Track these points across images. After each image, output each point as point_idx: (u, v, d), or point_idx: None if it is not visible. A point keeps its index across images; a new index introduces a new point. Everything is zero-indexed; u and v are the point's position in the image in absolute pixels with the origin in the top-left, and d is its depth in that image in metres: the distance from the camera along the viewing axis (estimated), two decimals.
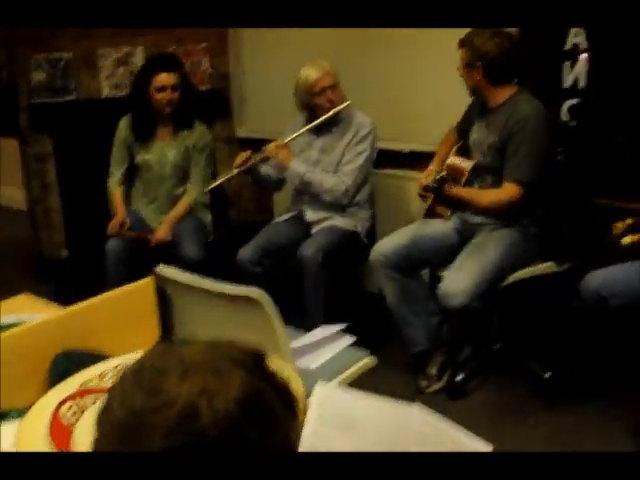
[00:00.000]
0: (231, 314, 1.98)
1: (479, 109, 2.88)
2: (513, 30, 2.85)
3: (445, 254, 2.88)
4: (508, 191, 2.69)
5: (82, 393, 1.25)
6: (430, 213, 2.92)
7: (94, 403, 1.21)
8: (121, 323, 1.60)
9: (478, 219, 2.87)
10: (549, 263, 2.87)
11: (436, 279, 2.90)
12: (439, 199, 2.94)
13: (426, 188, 2.78)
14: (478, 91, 2.80)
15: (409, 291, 2.90)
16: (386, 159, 3.51)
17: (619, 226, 2.45)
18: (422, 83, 3.47)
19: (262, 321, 1.88)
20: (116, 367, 1.31)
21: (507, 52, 2.71)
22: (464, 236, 2.91)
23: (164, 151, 3.44)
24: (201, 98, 4.21)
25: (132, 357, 1.22)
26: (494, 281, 2.71)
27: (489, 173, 2.82)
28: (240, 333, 1.95)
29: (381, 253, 2.89)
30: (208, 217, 3.55)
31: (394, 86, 3.62)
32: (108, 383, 1.23)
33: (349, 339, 2.27)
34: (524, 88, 2.82)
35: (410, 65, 3.52)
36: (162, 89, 3.29)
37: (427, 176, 2.81)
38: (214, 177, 3.47)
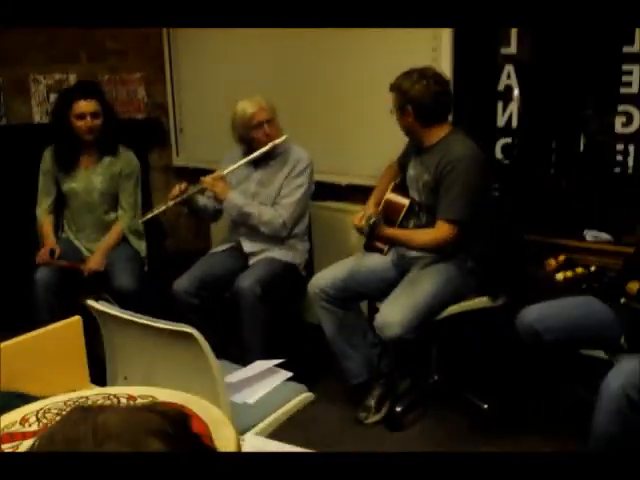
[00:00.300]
0: (165, 350, 1.93)
1: (415, 147, 2.90)
2: (445, 72, 2.91)
3: (383, 287, 2.89)
4: (442, 230, 2.70)
5: (2, 438, 1.18)
6: (368, 247, 2.92)
7: (15, 449, 1.14)
8: (48, 363, 1.54)
9: (414, 253, 2.89)
10: (484, 298, 2.90)
11: (375, 311, 2.90)
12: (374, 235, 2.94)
13: (359, 230, 2.77)
14: (412, 132, 2.83)
15: (347, 324, 2.92)
16: (325, 192, 3.53)
17: (552, 263, 2.51)
18: (360, 118, 3.50)
19: (196, 356, 1.84)
20: (40, 410, 1.25)
21: (436, 94, 2.73)
22: (402, 269, 2.93)
23: (90, 178, 3.38)
24: (137, 127, 4.18)
25: (59, 399, 1.17)
26: (429, 314, 2.72)
27: (424, 211, 2.84)
28: (174, 368, 1.93)
29: (319, 286, 2.89)
30: (143, 246, 3.48)
31: (333, 120, 3.66)
32: (31, 428, 1.16)
33: (286, 374, 2.25)
34: (458, 128, 2.85)
35: (349, 99, 3.56)
36: (81, 116, 3.26)
37: (360, 219, 2.76)
38: (145, 203, 3.42)
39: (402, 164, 3.04)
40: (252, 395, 2.15)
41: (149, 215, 3.11)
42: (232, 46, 4.02)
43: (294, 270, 3.25)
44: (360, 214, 2.80)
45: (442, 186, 2.72)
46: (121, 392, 1.15)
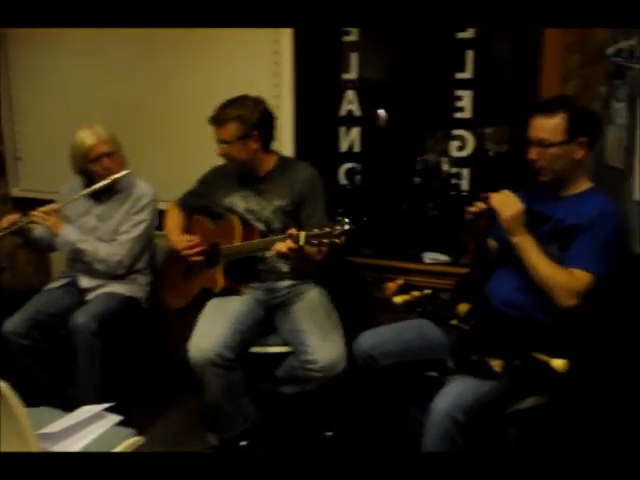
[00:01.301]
0: None
1: (234, 180, 2.84)
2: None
3: (257, 330, 2.76)
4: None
5: None
6: (226, 291, 2.80)
7: None
8: None
9: (287, 283, 2.82)
10: None
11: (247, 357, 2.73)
12: (231, 276, 2.81)
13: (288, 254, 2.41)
14: (251, 162, 2.75)
15: (232, 384, 2.65)
16: None
17: (391, 286, 2.51)
18: (207, 145, 3.43)
19: (5, 409, 1.67)
20: None
21: (273, 119, 2.75)
22: (271, 305, 2.82)
23: None
24: None
25: None
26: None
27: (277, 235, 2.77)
28: None
29: (209, 350, 2.55)
30: None
31: (179, 148, 3.59)
32: None
33: (114, 418, 2.13)
34: (281, 153, 2.89)
35: (194, 127, 3.48)
36: None
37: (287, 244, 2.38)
38: None
39: (188, 204, 3.01)
40: (76, 443, 2.01)
41: None
42: (70, 71, 3.87)
43: (135, 304, 3.10)
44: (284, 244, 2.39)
45: (306, 205, 2.70)
46: None
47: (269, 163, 2.79)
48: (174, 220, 3.02)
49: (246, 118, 2.67)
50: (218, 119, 2.69)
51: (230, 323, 2.66)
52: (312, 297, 2.80)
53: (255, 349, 2.75)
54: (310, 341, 2.59)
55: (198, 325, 2.68)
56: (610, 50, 2.40)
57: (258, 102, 2.72)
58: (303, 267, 2.71)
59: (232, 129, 2.67)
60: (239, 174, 2.83)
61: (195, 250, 2.87)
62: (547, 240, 2.15)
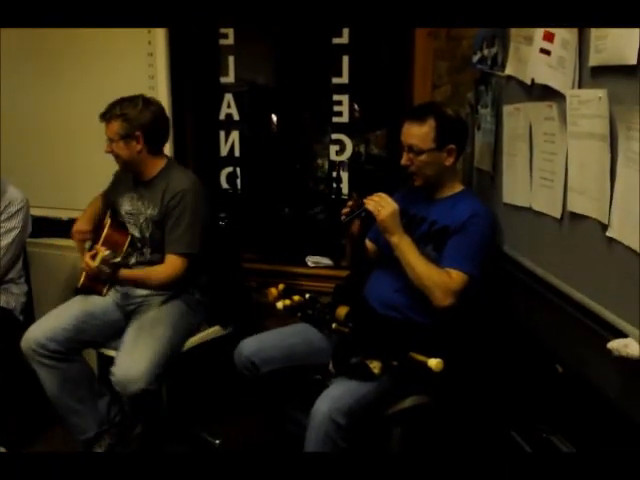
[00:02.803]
0: None
1: (129, 181, 2.78)
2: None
3: (108, 332, 2.71)
4: (173, 265, 2.61)
5: None
6: (84, 290, 2.74)
7: None
8: None
9: (141, 292, 2.75)
10: (215, 327, 2.86)
11: (103, 358, 2.73)
12: (91, 275, 2.72)
13: (96, 275, 2.57)
14: (134, 163, 2.68)
15: (71, 378, 2.63)
16: (44, 227, 3.28)
17: (273, 291, 2.51)
18: (77, 147, 3.34)
19: None
20: None
21: (163, 121, 2.70)
22: (127, 310, 2.77)
23: None
24: None
25: None
26: (168, 358, 2.58)
27: (148, 246, 2.73)
28: None
29: (36, 341, 2.58)
30: None
31: (49, 151, 3.44)
32: None
33: None
34: (173, 159, 2.83)
35: (64, 129, 3.38)
36: None
37: (94, 258, 2.49)
38: None
39: (108, 198, 2.91)
40: None
41: None
42: None
43: (9, 315, 2.96)
44: (89, 254, 2.53)
45: (169, 220, 2.63)
46: None
47: (155, 168, 2.72)
48: (90, 206, 2.93)
49: (131, 117, 2.60)
50: (104, 115, 2.63)
51: (68, 318, 2.65)
52: (152, 309, 2.73)
53: (104, 351, 2.74)
54: (120, 352, 2.55)
55: (40, 318, 2.70)
56: (475, 57, 2.50)
57: (150, 103, 2.66)
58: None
59: (116, 127, 2.61)
60: (130, 175, 2.77)
61: (77, 236, 2.80)
62: (422, 241, 2.23)
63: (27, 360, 2.62)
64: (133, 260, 2.75)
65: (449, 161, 2.24)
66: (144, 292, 2.75)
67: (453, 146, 2.23)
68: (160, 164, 2.73)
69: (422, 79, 2.82)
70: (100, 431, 2.73)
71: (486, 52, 2.38)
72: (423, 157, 2.22)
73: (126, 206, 2.77)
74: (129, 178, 2.79)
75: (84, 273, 2.73)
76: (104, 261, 2.42)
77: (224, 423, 2.96)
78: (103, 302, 2.76)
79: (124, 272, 2.59)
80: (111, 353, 2.69)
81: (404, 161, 2.25)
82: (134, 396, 2.45)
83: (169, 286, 2.68)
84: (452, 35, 2.75)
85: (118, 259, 2.43)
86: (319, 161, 3.12)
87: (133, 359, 2.49)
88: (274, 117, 3.16)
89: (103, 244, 2.69)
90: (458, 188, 2.32)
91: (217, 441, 2.87)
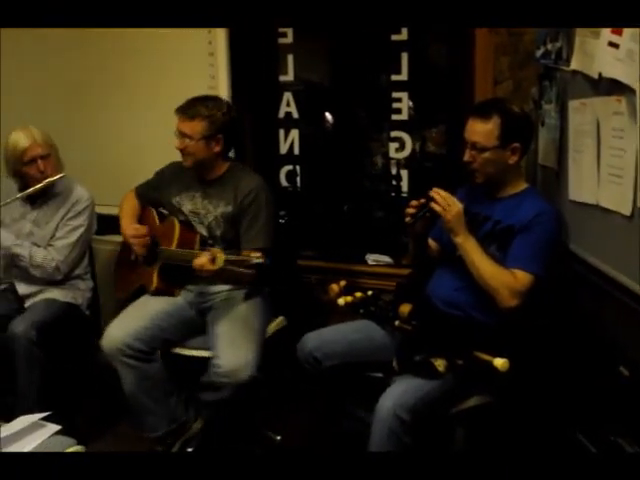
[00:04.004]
0: None
1: (188, 179, 2.81)
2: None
3: (184, 330, 2.75)
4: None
5: None
6: (158, 293, 2.78)
7: None
8: None
9: (220, 288, 2.79)
10: (280, 318, 2.92)
11: (172, 356, 2.74)
12: (165, 279, 2.79)
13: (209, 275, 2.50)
14: (206, 163, 2.72)
15: (150, 377, 2.65)
16: (108, 225, 3.35)
17: (334, 288, 2.52)
18: (141, 147, 3.40)
19: None
20: None
21: (240, 124, 2.78)
22: (202, 308, 2.80)
23: None
24: None
25: None
26: (263, 347, 2.63)
27: (218, 244, 2.75)
28: None
29: (121, 341, 2.59)
30: None
31: (114, 150, 3.52)
32: None
33: (53, 427, 2.07)
34: (235, 159, 2.88)
35: (129, 129, 3.45)
36: None
37: (213, 262, 2.39)
38: None
39: (144, 195, 2.96)
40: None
41: None
42: (4, 70, 3.76)
43: (76, 311, 3.05)
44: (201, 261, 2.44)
45: (246, 216, 2.68)
46: None
47: (220, 169, 2.77)
48: (129, 205, 2.97)
49: (216, 119, 2.64)
50: (188, 112, 2.65)
51: (148, 318, 2.67)
52: (238, 303, 2.77)
53: (178, 350, 2.76)
54: (220, 345, 2.57)
55: (119, 316, 2.71)
56: (538, 52, 2.46)
57: (230, 107, 2.72)
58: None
59: (199, 126, 2.63)
60: (193, 174, 2.80)
61: (140, 240, 2.83)
62: (486, 241, 2.21)
63: (108, 359, 2.63)
64: None
65: (513, 159, 2.21)
66: (222, 288, 2.79)
67: (518, 144, 2.19)
68: (226, 164, 2.78)
69: (483, 75, 2.79)
70: (169, 429, 2.77)
71: (550, 46, 2.35)
72: (486, 155, 2.19)
73: (188, 205, 2.80)
74: (187, 177, 2.82)
75: (156, 276, 2.77)
76: (228, 262, 2.36)
77: (285, 419, 2.98)
78: (175, 301, 2.79)
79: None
80: (187, 352, 2.75)
81: (466, 158, 2.23)
82: (241, 385, 2.48)
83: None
84: (513, 30, 2.72)
85: (234, 257, 2.37)
86: (378, 159, 3.11)
87: (237, 349, 2.53)
88: (333, 115, 3.17)
89: (178, 245, 2.73)
90: (522, 186, 2.29)
91: (278, 437, 2.89)
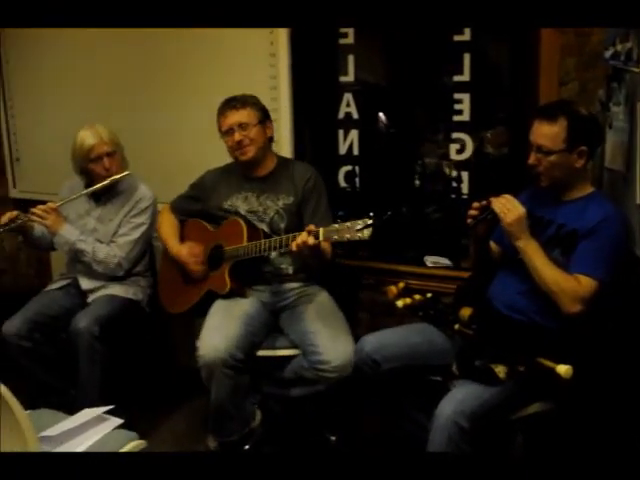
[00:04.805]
0: None
1: (237, 181, 2.85)
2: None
3: (264, 331, 2.76)
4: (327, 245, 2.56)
5: None
6: (231, 294, 2.78)
7: None
8: None
9: (294, 285, 2.82)
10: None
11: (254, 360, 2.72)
12: (237, 278, 2.79)
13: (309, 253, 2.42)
14: (261, 154, 2.76)
15: (240, 386, 2.63)
16: None
17: (393, 289, 2.51)
18: (203, 147, 3.44)
19: (4, 411, 1.68)
20: None
21: None
22: (278, 307, 2.82)
23: None
24: None
25: None
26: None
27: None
28: None
29: (223, 350, 2.52)
30: None
31: (176, 150, 3.57)
32: None
33: (115, 421, 2.12)
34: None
35: (191, 129, 3.50)
36: None
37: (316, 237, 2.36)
38: None
39: (186, 210, 3.00)
40: (77, 447, 2.00)
41: None
42: (71, 72, 3.86)
43: (137, 307, 3.11)
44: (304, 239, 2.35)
45: (309, 202, 2.73)
46: None
47: (270, 163, 2.82)
48: (169, 224, 3.00)
49: (262, 105, 2.78)
50: (238, 101, 2.72)
51: (240, 324, 2.64)
52: (319, 299, 2.80)
53: (263, 352, 2.74)
54: (321, 342, 2.56)
55: (207, 325, 2.66)
56: (607, 53, 2.40)
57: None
58: (313, 265, 2.67)
59: (252, 112, 2.72)
60: (240, 175, 2.84)
61: (197, 259, 2.87)
62: (549, 245, 2.17)
63: (205, 371, 2.56)
64: (274, 254, 2.76)
65: (579, 163, 2.16)
66: (294, 285, 2.82)
67: (585, 148, 2.14)
68: (274, 159, 2.84)
69: (548, 76, 2.73)
70: (244, 434, 2.77)
71: (620, 47, 2.29)
72: (552, 158, 2.15)
73: (243, 206, 2.82)
74: (233, 180, 2.86)
75: (227, 276, 2.77)
76: (328, 234, 2.29)
77: (341, 420, 2.97)
78: (252, 303, 2.79)
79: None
80: (271, 353, 2.75)
81: (531, 160, 2.20)
82: (343, 379, 2.51)
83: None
84: (580, 30, 2.66)
85: (336, 227, 2.26)
86: (438, 160, 3.08)
87: (341, 344, 2.55)
88: (392, 116, 3.15)
89: (248, 240, 2.72)
90: (588, 190, 2.24)
91: (332, 437, 2.89)
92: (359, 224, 2.20)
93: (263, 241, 2.65)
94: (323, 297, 2.82)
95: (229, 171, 2.89)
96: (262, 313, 2.78)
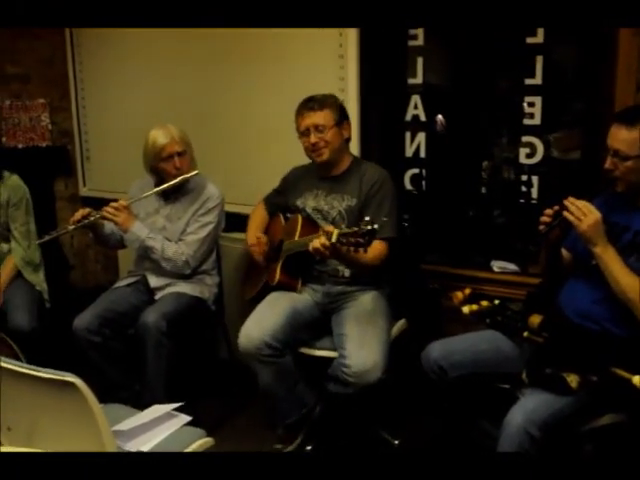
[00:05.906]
0: (49, 399, 1.80)
1: (310, 179, 2.87)
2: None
3: (311, 329, 2.80)
4: (379, 249, 2.62)
5: None
6: (280, 286, 2.83)
7: None
8: None
9: (340, 288, 2.82)
10: (402, 321, 2.91)
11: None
12: (287, 271, 2.84)
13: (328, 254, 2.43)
14: (338, 153, 2.77)
15: (285, 370, 2.72)
16: (235, 223, 3.44)
17: (459, 295, 2.48)
18: (269, 148, 3.46)
19: (80, 405, 1.72)
20: None
21: None
22: (328, 308, 2.84)
23: None
24: (40, 155, 4.04)
25: None
26: (389, 347, 2.65)
27: None
28: (58, 418, 1.81)
29: (260, 340, 2.62)
30: (40, 279, 3.31)
31: (242, 149, 3.61)
32: None
33: (184, 418, 2.16)
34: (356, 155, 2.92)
35: (257, 130, 3.53)
36: None
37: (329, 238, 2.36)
38: (43, 232, 3.13)
39: (281, 202, 3.03)
40: (146, 442, 2.05)
41: (46, 238, 2.94)
42: (141, 72, 3.94)
43: (203, 305, 3.14)
44: (318, 240, 2.39)
45: (371, 207, 2.71)
46: None
47: (346, 162, 2.83)
48: (256, 216, 3.10)
49: (339, 106, 2.77)
50: (316, 102, 2.73)
51: (282, 315, 2.70)
52: (364, 303, 2.78)
53: (304, 350, 2.79)
54: (348, 345, 2.58)
55: (251, 315, 2.75)
56: None
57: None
58: (351, 268, 2.73)
59: (330, 114, 2.72)
60: (316, 174, 2.86)
61: (259, 248, 2.92)
62: (626, 252, 2.10)
63: (246, 358, 2.70)
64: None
65: None
66: (348, 288, 2.82)
67: None
68: (349, 158, 2.84)
69: (626, 79, 2.66)
70: (300, 416, 2.83)
71: None
72: (629, 163, 2.09)
73: (311, 203, 2.85)
74: (309, 178, 2.89)
75: (279, 269, 2.83)
76: (342, 235, 2.29)
77: (407, 424, 2.97)
78: (304, 300, 2.84)
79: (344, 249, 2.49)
80: (312, 352, 2.78)
81: (608, 165, 2.14)
82: (369, 385, 2.51)
83: (372, 270, 2.71)
84: None
85: (348, 230, 2.29)
86: (507, 164, 3.03)
87: (367, 351, 2.55)
88: (460, 118, 3.12)
89: (300, 237, 2.76)
90: None
91: (396, 441, 2.88)
92: (362, 229, 2.24)
93: (300, 239, 2.70)
94: (369, 301, 2.79)
95: (310, 169, 2.93)
96: (313, 311, 2.81)
